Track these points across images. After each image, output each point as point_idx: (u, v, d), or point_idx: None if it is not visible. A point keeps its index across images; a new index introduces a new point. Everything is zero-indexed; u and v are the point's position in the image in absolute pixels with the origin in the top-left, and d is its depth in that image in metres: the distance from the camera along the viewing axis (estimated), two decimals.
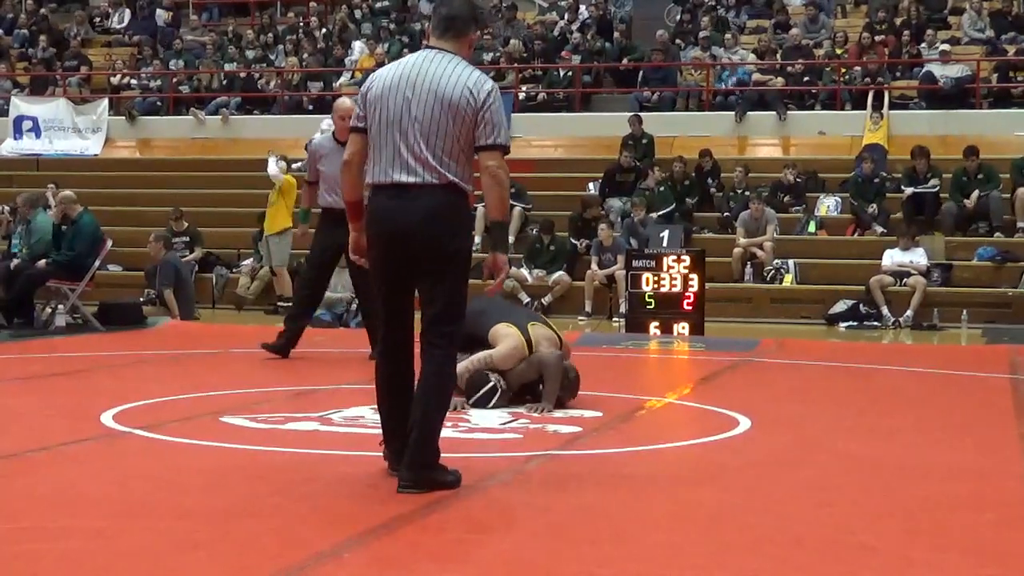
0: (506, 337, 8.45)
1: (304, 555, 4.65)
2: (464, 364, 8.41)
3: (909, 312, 16.99)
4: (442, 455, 5.93)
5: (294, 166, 21.09)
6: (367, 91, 5.96)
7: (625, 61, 24.95)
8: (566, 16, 26.94)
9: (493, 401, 8.33)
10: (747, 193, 19.58)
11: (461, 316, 5.97)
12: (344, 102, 12.04)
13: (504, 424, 7.85)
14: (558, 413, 8.21)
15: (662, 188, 19.84)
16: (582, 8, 26.95)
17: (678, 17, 26.31)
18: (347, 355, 11.75)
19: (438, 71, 5.83)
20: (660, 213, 19.18)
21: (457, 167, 5.82)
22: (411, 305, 5.99)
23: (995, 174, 19.02)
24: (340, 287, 15.90)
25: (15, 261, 15.92)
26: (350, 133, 6.08)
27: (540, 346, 8.43)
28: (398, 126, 5.81)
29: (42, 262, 14.96)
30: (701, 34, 24.91)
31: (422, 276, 5.87)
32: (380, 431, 6.15)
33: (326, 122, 23.14)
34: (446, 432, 7.50)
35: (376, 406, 6.17)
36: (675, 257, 15.28)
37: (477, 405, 8.33)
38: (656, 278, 15.10)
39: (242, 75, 26.51)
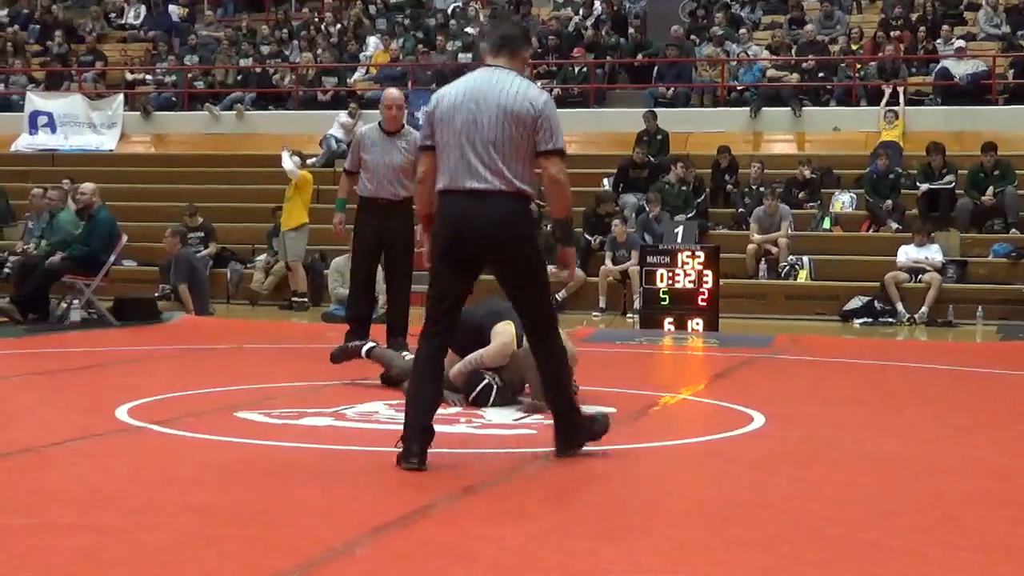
0: (498, 335, 8.45)
1: (317, 551, 4.65)
2: (457, 367, 8.42)
3: (924, 309, 16.95)
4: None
5: (308, 161, 21.14)
6: (433, 111, 6.45)
7: (640, 57, 24.93)
8: (580, 12, 26.93)
9: (492, 398, 8.32)
10: (762, 189, 19.55)
11: (549, 305, 6.76)
12: (392, 92, 12.06)
13: (518, 420, 7.85)
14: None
15: (683, 187, 19.70)
16: (596, 4, 26.93)
17: (692, 12, 26.28)
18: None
19: (499, 85, 6.35)
20: (687, 217, 19.05)
21: (521, 172, 6.34)
22: (462, 301, 6.53)
23: (1011, 170, 18.97)
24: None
25: (27, 251, 15.99)
26: (420, 152, 6.61)
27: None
28: (467, 138, 6.30)
29: (57, 257, 15.00)
30: (716, 30, 24.87)
31: (503, 278, 6.54)
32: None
33: (342, 116, 23.24)
34: (460, 428, 7.53)
35: (407, 388, 6.49)
36: (689, 253, 15.26)
37: (478, 404, 8.32)
38: (670, 274, 15.09)
39: (257, 71, 26.54)
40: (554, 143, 6.34)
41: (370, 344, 10.09)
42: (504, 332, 8.43)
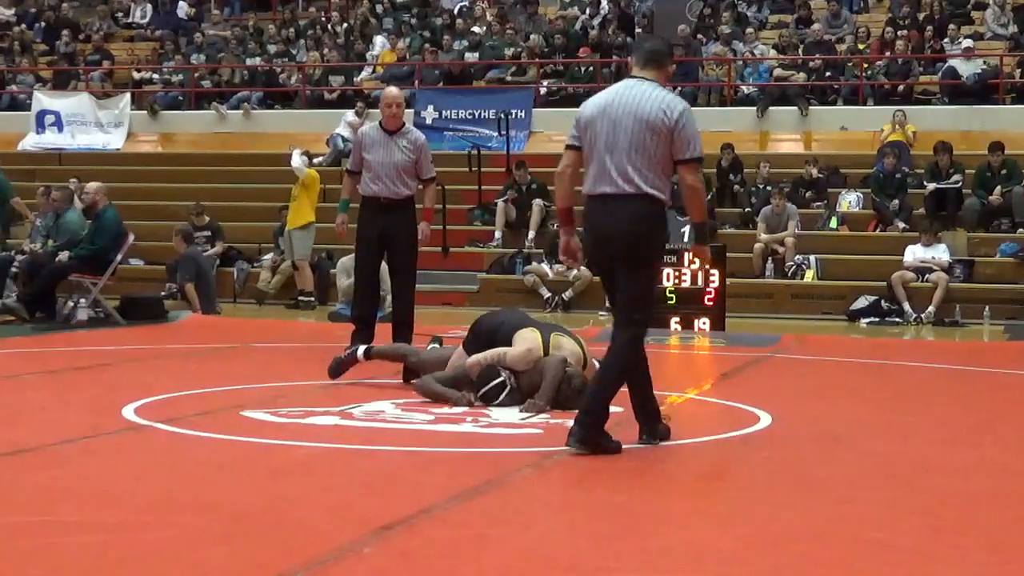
0: (524, 340, 8.45)
1: (324, 550, 4.65)
2: (477, 357, 8.44)
3: (931, 308, 16.92)
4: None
5: (315, 160, 21.13)
6: (580, 116, 6.96)
7: None
8: (587, 11, 26.93)
9: (501, 397, 8.31)
10: (769, 189, 19.53)
11: (647, 306, 7.09)
12: (391, 90, 12.04)
13: (524, 419, 7.85)
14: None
15: None
16: (603, 3, 26.92)
17: (699, 12, 26.27)
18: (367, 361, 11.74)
19: (638, 96, 6.78)
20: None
21: (654, 178, 6.74)
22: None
23: (1018, 170, 18.94)
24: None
25: (34, 250, 16.00)
26: (566, 150, 7.04)
27: (560, 350, 8.40)
28: (606, 145, 6.77)
29: (64, 255, 15.02)
30: (722, 29, 24.86)
31: (621, 270, 6.88)
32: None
33: (349, 115, 23.25)
34: (465, 427, 7.54)
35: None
36: None
37: (485, 399, 8.33)
38: (677, 273, 15.08)
39: (264, 70, 26.55)
40: (691, 152, 6.76)
41: (363, 347, 10.09)
42: (530, 339, 8.44)
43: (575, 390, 8.18)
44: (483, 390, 8.36)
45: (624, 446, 7.06)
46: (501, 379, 8.35)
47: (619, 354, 6.90)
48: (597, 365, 8.88)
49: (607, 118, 6.78)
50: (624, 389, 8.89)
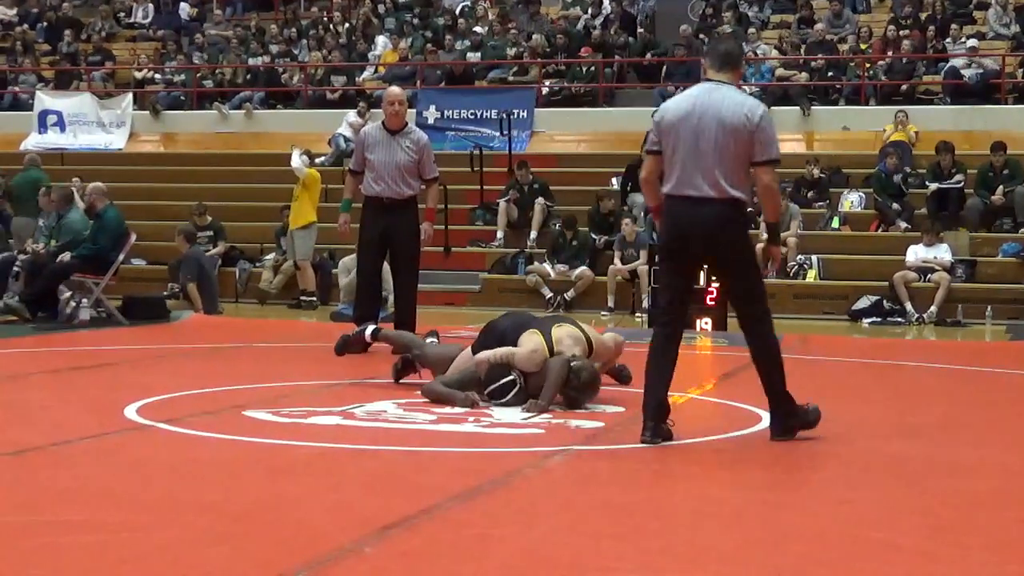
0: (528, 342, 8.44)
1: (326, 550, 4.65)
2: (487, 354, 8.44)
3: (933, 308, 16.93)
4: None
5: (317, 160, 21.14)
6: (660, 120, 7.10)
7: (648, 56, 24.92)
8: (589, 11, 26.93)
9: (509, 396, 8.31)
10: None
11: (762, 297, 7.30)
12: (394, 89, 12.05)
13: (526, 419, 7.84)
14: (580, 410, 8.21)
15: None
16: (605, 3, 26.92)
17: (701, 12, 26.27)
18: (370, 350, 11.74)
19: (719, 100, 6.95)
20: None
21: (735, 180, 6.94)
22: (690, 289, 7.43)
23: (1020, 170, 18.93)
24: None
25: (36, 250, 16.01)
26: (648, 156, 7.22)
27: (562, 345, 8.40)
28: (689, 150, 6.91)
29: (66, 255, 15.02)
30: (724, 29, 24.84)
31: (718, 275, 7.32)
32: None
33: (351, 115, 23.25)
34: (467, 427, 7.54)
35: (646, 373, 7.06)
36: None
37: (493, 397, 8.32)
38: None
39: (266, 70, 26.55)
40: (769, 154, 6.97)
41: (372, 327, 10.10)
42: (534, 341, 8.43)
43: (584, 382, 8.19)
44: (491, 387, 8.36)
45: (625, 446, 7.06)
46: (511, 378, 8.34)
47: (768, 347, 7.15)
48: (606, 341, 8.94)
49: (689, 123, 6.92)
50: (624, 389, 8.90)
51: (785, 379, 7.13)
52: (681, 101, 7.10)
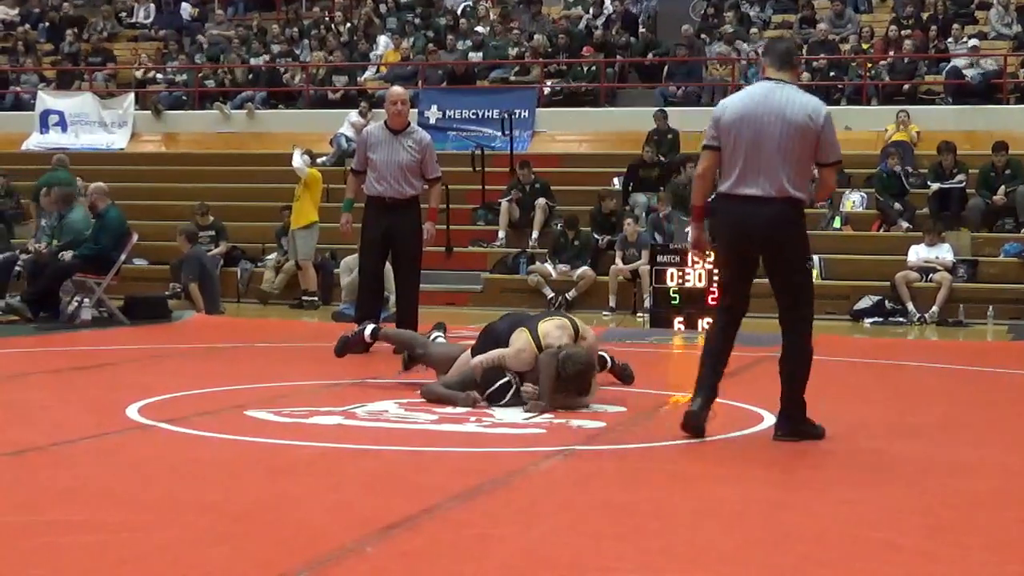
0: (515, 341, 8.44)
1: (327, 549, 4.65)
2: (480, 358, 8.45)
3: (935, 308, 16.92)
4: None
5: (319, 160, 21.14)
6: (721, 117, 7.09)
7: (650, 56, 24.92)
8: (591, 11, 26.93)
9: (507, 397, 8.31)
10: None
11: (811, 301, 7.34)
12: (396, 88, 12.05)
13: (527, 419, 7.85)
14: (583, 409, 8.21)
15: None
16: (607, 3, 26.92)
17: (703, 12, 26.27)
18: (372, 350, 11.75)
19: (783, 99, 6.95)
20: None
21: (797, 180, 6.95)
22: (748, 288, 7.36)
23: (1022, 169, 18.92)
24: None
25: (38, 249, 16.01)
26: (704, 150, 7.19)
27: (548, 337, 8.36)
28: (751, 148, 6.91)
29: (68, 255, 15.02)
30: (726, 29, 24.85)
31: (772, 273, 7.24)
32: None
33: (352, 115, 23.25)
34: (468, 427, 7.54)
35: (701, 359, 7.24)
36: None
37: (492, 400, 8.32)
38: (681, 273, 15.06)
39: (267, 69, 26.56)
40: (835, 156, 7.11)
41: (371, 326, 10.10)
42: (521, 340, 8.43)
43: (576, 369, 8.12)
44: (489, 391, 8.36)
45: (626, 446, 7.07)
46: (506, 379, 8.34)
47: (802, 352, 7.23)
48: (589, 329, 8.85)
49: (751, 121, 6.91)
50: (626, 389, 8.91)
51: (804, 390, 7.20)
52: (743, 98, 7.09)
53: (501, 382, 8.34)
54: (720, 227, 7.20)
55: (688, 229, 17.78)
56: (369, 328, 10.17)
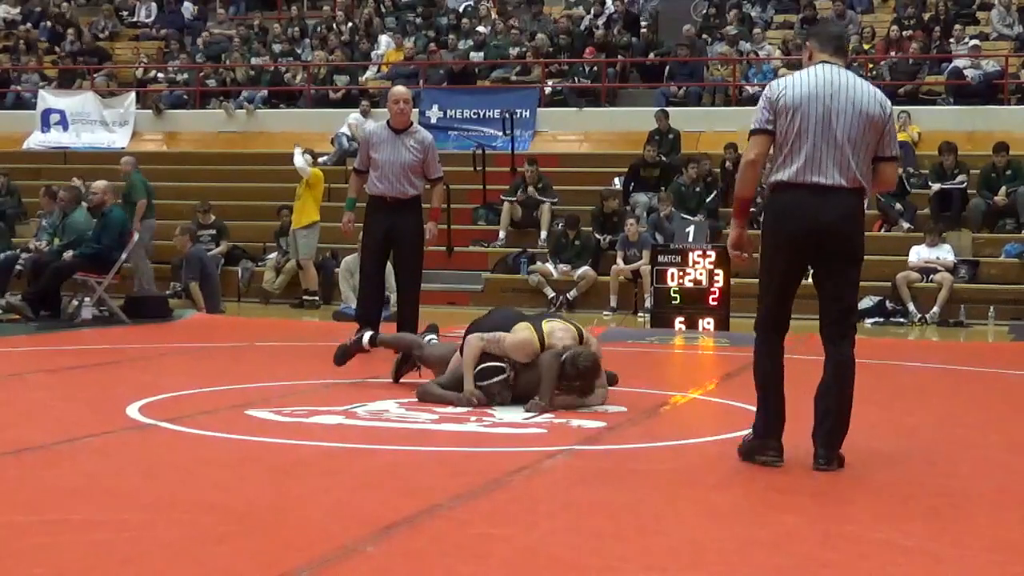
0: (520, 330, 8.44)
1: (328, 549, 4.65)
2: (478, 335, 8.43)
3: (935, 309, 16.92)
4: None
5: (320, 159, 21.14)
6: (778, 98, 6.39)
7: (651, 56, 24.92)
8: (592, 11, 26.93)
9: (494, 380, 8.32)
10: None
11: (856, 304, 6.89)
12: (399, 88, 12.05)
13: (528, 419, 7.85)
14: (583, 409, 8.21)
15: (697, 188, 19.60)
16: (608, 3, 26.92)
17: (704, 12, 26.27)
18: (372, 349, 11.75)
19: (852, 84, 6.44)
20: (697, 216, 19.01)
21: (865, 171, 6.42)
22: (796, 292, 6.75)
23: (1023, 170, 18.92)
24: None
25: (39, 248, 16.03)
26: (757, 135, 6.46)
27: (553, 336, 8.36)
28: (821, 133, 6.33)
29: (69, 254, 15.04)
30: (728, 29, 24.84)
31: (830, 272, 6.58)
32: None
33: (352, 116, 23.25)
34: (469, 427, 7.54)
35: (756, 380, 6.67)
36: (701, 252, 15.24)
37: (479, 378, 8.33)
38: (681, 273, 15.08)
39: (269, 69, 26.56)
40: (896, 149, 6.57)
41: (369, 334, 10.09)
42: (522, 330, 8.42)
43: (581, 370, 8.12)
44: (481, 367, 8.34)
45: (627, 446, 7.06)
46: (501, 365, 8.34)
47: (854, 368, 6.79)
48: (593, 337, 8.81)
49: (820, 104, 6.33)
50: (628, 390, 8.91)
51: (850, 401, 6.78)
52: (805, 79, 6.41)
53: (493, 364, 8.32)
54: (781, 221, 6.48)
55: (689, 229, 17.92)
56: (367, 336, 10.16)
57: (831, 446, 6.48)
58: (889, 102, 6.54)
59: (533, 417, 7.88)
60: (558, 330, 8.45)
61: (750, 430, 6.60)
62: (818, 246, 6.43)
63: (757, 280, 6.76)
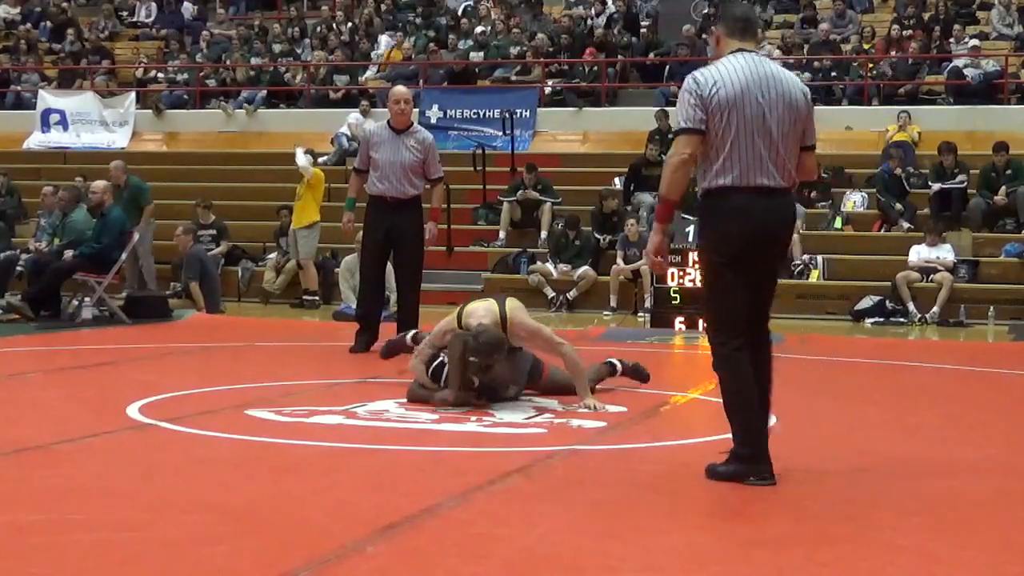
0: (443, 320, 8.60)
1: (328, 548, 4.65)
2: (424, 342, 8.67)
3: (935, 309, 16.91)
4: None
5: (320, 159, 21.13)
6: (711, 95, 5.93)
7: (651, 56, 24.92)
8: (594, 9, 26.93)
9: (443, 375, 8.38)
10: None
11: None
12: (400, 88, 12.06)
13: (528, 419, 7.85)
14: (582, 409, 8.21)
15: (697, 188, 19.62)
16: (609, 2, 26.93)
17: (704, 11, 26.28)
18: (373, 349, 11.76)
19: (777, 75, 6.07)
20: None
21: (794, 166, 6.09)
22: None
23: (1023, 170, 18.92)
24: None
25: (39, 248, 16.04)
26: (688, 135, 5.98)
27: (471, 317, 8.31)
28: (758, 131, 5.95)
29: (69, 254, 15.04)
30: None
31: (766, 275, 6.16)
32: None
33: (353, 116, 23.25)
34: (469, 426, 7.54)
35: (733, 405, 6.17)
36: None
37: (434, 378, 8.40)
38: (682, 273, 15.07)
39: (269, 69, 26.56)
40: (815, 139, 6.25)
41: (413, 331, 10.21)
42: (444, 320, 8.54)
43: (476, 346, 7.99)
44: (434, 365, 8.43)
45: (627, 446, 7.06)
46: (440, 359, 8.38)
47: (768, 362, 6.25)
48: (527, 325, 8.50)
49: (753, 100, 5.93)
50: (628, 390, 8.91)
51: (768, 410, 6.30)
52: (734, 73, 5.97)
53: (436, 363, 8.37)
54: (730, 228, 5.99)
55: (689, 229, 17.90)
56: (411, 334, 10.26)
57: (767, 465, 6.03)
58: (808, 90, 6.24)
59: (534, 417, 7.88)
60: (478, 309, 8.41)
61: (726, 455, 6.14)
62: (763, 249, 6.06)
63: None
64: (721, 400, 6.21)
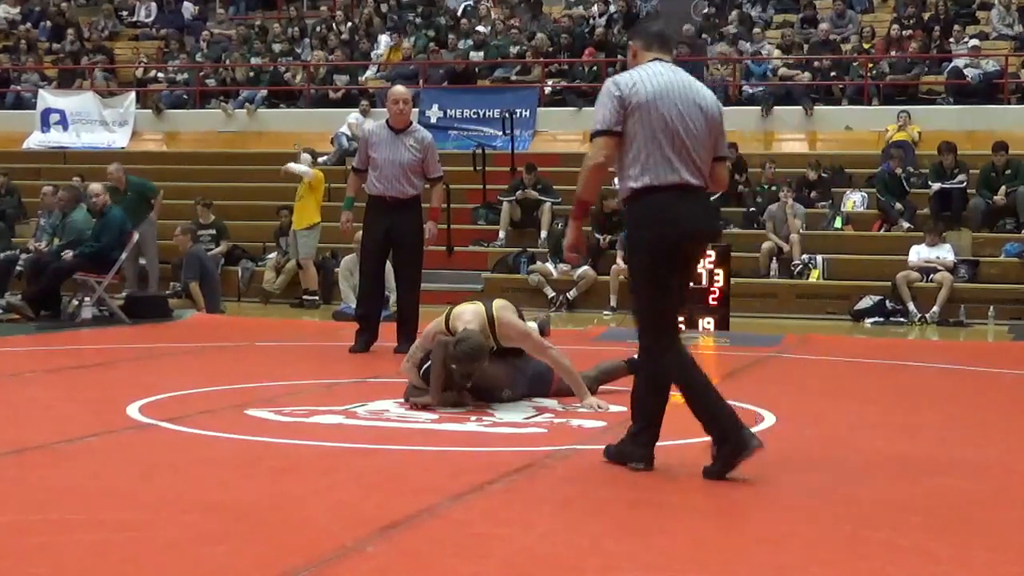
0: (431, 323, 8.54)
1: (328, 548, 4.65)
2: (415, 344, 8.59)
3: (935, 308, 16.92)
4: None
5: (320, 159, 21.14)
6: (630, 97, 6.09)
7: None
8: (595, 8, 26.94)
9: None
10: (774, 188, 19.52)
11: None
12: (399, 88, 12.06)
13: (528, 419, 7.85)
14: (583, 409, 8.22)
15: None
16: (609, 2, 26.93)
17: (704, 12, 26.29)
18: (372, 348, 11.76)
19: (690, 83, 6.28)
20: None
21: (707, 173, 6.26)
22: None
23: (1023, 170, 18.93)
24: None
25: (39, 248, 16.05)
26: (605, 136, 6.12)
27: (458, 320, 8.28)
28: (677, 133, 6.10)
29: (68, 254, 15.04)
30: (728, 29, 24.85)
31: (683, 277, 6.34)
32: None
33: (353, 116, 23.26)
34: (469, 426, 7.54)
35: (707, 407, 6.19)
36: None
37: (425, 378, 8.36)
38: None
39: (268, 69, 26.57)
40: (726, 148, 6.52)
41: None
42: (432, 324, 8.47)
43: (461, 352, 7.94)
44: (424, 367, 8.38)
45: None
46: (428, 364, 8.40)
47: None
48: (516, 325, 8.45)
49: (669, 103, 6.09)
50: (628, 391, 8.88)
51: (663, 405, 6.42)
52: (653, 77, 6.14)
53: (427, 366, 8.35)
54: (657, 225, 6.09)
55: None
56: None
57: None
58: (720, 104, 6.46)
59: (533, 417, 7.88)
60: (465, 313, 8.35)
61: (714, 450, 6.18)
62: (688, 247, 6.21)
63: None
64: (691, 408, 6.19)
